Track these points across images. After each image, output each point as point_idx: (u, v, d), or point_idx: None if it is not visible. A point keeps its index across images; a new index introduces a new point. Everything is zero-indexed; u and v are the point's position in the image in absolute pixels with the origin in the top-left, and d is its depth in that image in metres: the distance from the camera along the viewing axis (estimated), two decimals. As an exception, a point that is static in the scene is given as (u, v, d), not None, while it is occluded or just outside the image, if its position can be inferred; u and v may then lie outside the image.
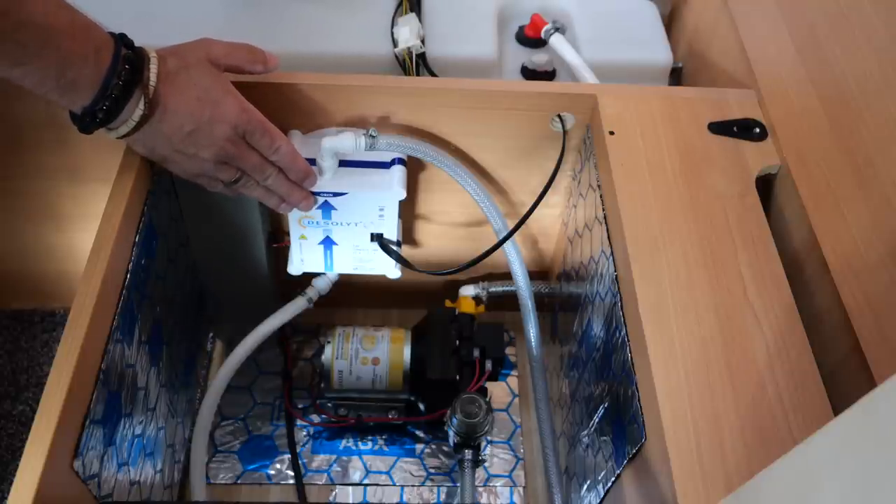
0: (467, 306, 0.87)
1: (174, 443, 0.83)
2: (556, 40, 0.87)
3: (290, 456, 0.90)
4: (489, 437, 0.93)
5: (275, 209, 0.70)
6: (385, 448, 0.92)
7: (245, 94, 0.63)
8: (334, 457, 0.91)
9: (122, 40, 0.57)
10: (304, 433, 0.93)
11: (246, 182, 0.66)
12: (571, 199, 0.82)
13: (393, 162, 0.75)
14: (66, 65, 0.53)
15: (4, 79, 0.52)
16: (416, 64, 0.81)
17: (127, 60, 0.56)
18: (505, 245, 0.75)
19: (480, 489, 0.90)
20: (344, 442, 0.92)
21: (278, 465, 0.90)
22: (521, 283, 0.78)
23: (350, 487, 0.89)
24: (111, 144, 0.65)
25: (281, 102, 0.70)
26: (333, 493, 0.89)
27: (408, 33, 0.81)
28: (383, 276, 0.84)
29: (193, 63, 0.60)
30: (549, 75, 0.87)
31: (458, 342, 0.83)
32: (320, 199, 0.73)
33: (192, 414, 0.89)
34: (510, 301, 0.83)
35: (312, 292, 0.86)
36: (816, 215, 0.63)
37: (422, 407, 0.87)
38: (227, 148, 0.61)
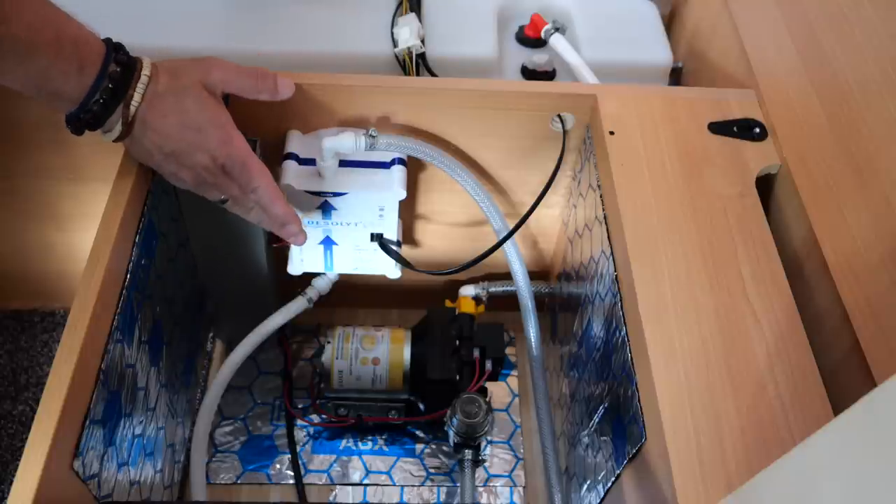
0: (467, 306, 0.87)
1: (174, 443, 0.83)
2: (556, 40, 0.87)
3: (290, 456, 0.90)
4: (489, 437, 0.93)
5: (271, 230, 0.69)
6: (385, 448, 0.92)
7: (245, 94, 0.63)
8: (334, 457, 0.91)
9: (114, 53, 0.56)
10: (304, 433, 0.93)
11: (233, 205, 0.66)
12: (571, 199, 0.82)
13: (393, 162, 0.75)
14: (47, 78, 0.53)
15: None
16: (416, 64, 0.81)
17: (112, 79, 0.55)
18: (505, 245, 0.75)
19: (480, 489, 0.90)
20: (344, 442, 0.92)
21: (278, 465, 0.90)
22: (521, 283, 0.78)
23: (350, 487, 0.89)
24: (111, 144, 0.65)
25: (281, 102, 0.70)
26: (333, 493, 0.89)
27: (408, 33, 0.81)
28: (383, 276, 0.84)
29: (186, 85, 0.59)
30: (549, 75, 0.87)
31: (458, 342, 0.83)
32: (320, 199, 0.73)
33: (192, 414, 0.89)
34: (510, 301, 0.83)
35: (312, 292, 0.86)
36: (816, 215, 0.63)
37: (422, 407, 0.87)
38: (204, 175, 0.61)
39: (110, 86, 0.55)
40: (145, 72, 0.57)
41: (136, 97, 0.56)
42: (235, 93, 0.64)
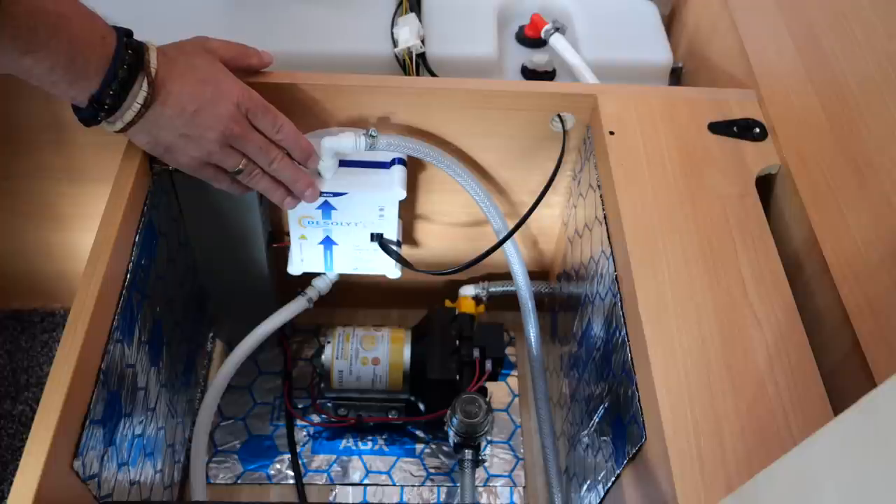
0: (467, 306, 0.87)
1: (174, 443, 0.83)
2: (556, 40, 0.87)
3: (290, 456, 0.90)
4: (489, 437, 0.93)
5: (280, 204, 0.69)
6: (385, 448, 0.92)
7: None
8: (334, 457, 0.91)
9: (120, 30, 0.58)
10: (304, 433, 0.93)
11: (251, 171, 0.65)
12: (571, 199, 0.82)
13: (393, 162, 0.75)
14: (76, 51, 0.54)
15: (8, 75, 0.52)
16: (416, 64, 0.81)
17: (129, 46, 0.57)
18: (505, 245, 0.75)
19: (480, 489, 0.90)
20: (344, 442, 0.92)
21: (278, 465, 0.90)
22: (521, 283, 0.78)
23: (350, 487, 0.89)
24: (111, 144, 0.65)
25: (281, 102, 0.70)
26: (333, 493, 0.89)
27: (408, 33, 0.81)
28: (383, 276, 0.84)
29: (191, 50, 0.62)
30: (549, 75, 0.87)
31: (458, 342, 0.83)
32: (320, 199, 0.73)
33: (192, 414, 0.89)
34: (510, 301, 0.83)
35: (312, 292, 0.86)
36: (816, 215, 0.63)
37: (422, 407, 0.87)
38: (231, 127, 0.62)
39: (130, 51, 0.57)
40: (151, 45, 0.59)
41: (153, 61, 0.58)
42: (230, 59, 0.65)
